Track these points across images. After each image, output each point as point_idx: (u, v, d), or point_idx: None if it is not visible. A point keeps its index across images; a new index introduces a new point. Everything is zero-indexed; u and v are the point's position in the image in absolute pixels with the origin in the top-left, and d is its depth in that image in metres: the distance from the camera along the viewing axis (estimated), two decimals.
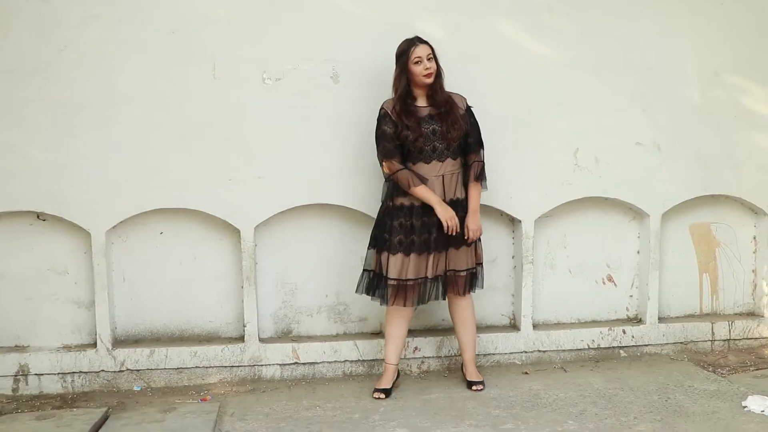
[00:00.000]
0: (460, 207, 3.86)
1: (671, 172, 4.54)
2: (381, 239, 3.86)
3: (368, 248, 3.94)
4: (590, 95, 4.41)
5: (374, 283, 3.90)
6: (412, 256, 3.81)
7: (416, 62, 3.79)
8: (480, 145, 3.94)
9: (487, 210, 4.23)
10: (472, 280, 3.96)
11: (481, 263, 4.01)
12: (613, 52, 4.41)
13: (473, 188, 3.91)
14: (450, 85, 3.91)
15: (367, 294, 3.93)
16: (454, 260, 3.88)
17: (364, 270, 3.95)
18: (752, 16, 4.58)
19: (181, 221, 4.20)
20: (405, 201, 3.84)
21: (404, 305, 3.85)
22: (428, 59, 3.79)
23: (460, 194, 3.89)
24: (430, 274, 3.84)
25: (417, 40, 3.83)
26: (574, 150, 4.42)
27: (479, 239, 3.97)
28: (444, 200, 3.82)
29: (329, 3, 4.11)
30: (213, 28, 4.04)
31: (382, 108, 3.87)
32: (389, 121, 3.82)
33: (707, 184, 4.62)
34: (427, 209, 3.80)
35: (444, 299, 3.99)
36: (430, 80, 3.80)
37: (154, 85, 4.01)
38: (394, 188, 3.85)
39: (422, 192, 3.78)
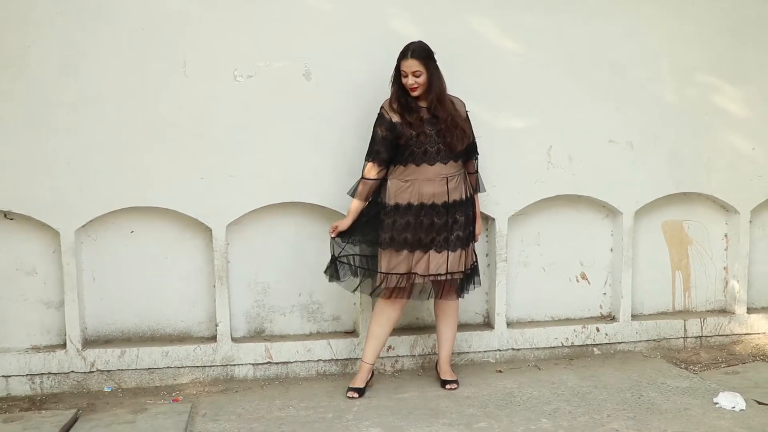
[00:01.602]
0: (459, 209, 3.86)
1: (644, 170, 4.57)
2: (375, 236, 3.88)
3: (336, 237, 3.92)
4: (564, 93, 4.42)
5: (347, 270, 3.92)
6: (404, 252, 3.81)
7: (403, 75, 3.79)
8: (476, 152, 4.01)
9: None
10: (462, 283, 3.96)
11: (475, 266, 4.02)
12: (586, 50, 4.43)
13: (476, 198, 4.03)
14: None
15: (338, 280, 3.95)
16: (451, 262, 3.85)
17: (332, 257, 3.93)
18: (724, 15, 4.61)
19: (152, 220, 4.15)
20: (402, 200, 3.82)
21: (393, 297, 3.85)
22: (414, 75, 3.75)
23: (462, 196, 3.88)
24: (427, 271, 3.81)
25: (409, 54, 3.76)
26: (548, 148, 4.43)
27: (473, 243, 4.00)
28: (447, 201, 3.82)
29: (301, 0, 4.08)
30: (184, 24, 4.00)
31: (380, 108, 3.86)
32: (384, 122, 3.81)
33: (679, 182, 4.65)
34: (425, 209, 3.80)
35: (431, 298, 4.01)
36: (414, 94, 3.79)
37: (125, 82, 3.96)
38: (392, 188, 3.84)
39: (352, 206, 3.89)
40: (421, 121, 3.79)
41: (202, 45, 4.02)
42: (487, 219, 4.46)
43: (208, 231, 4.14)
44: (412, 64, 3.75)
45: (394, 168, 3.87)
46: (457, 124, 3.81)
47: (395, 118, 3.80)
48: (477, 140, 4.03)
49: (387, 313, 3.92)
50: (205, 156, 4.06)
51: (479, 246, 4.46)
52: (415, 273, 3.82)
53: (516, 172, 4.39)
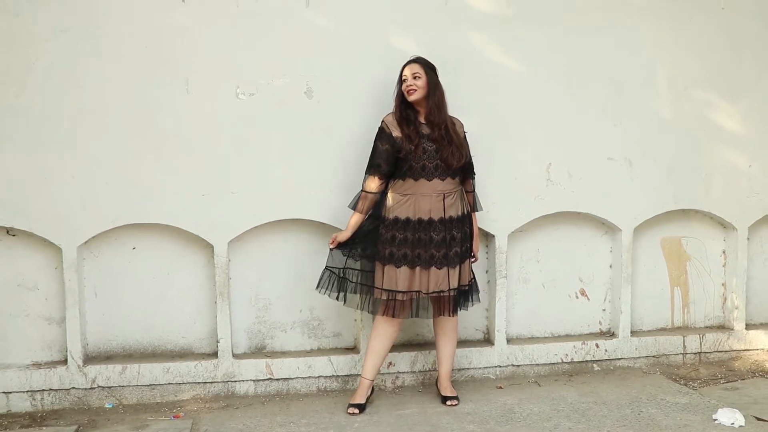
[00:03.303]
0: (456, 225, 3.88)
1: (642, 187, 4.60)
2: (375, 250, 3.89)
3: (336, 249, 3.94)
4: (562, 109, 4.46)
5: (337, 284, 3.93)
6: (403, 268, 3.82)
7: (403, 80, 3.87)
8: (473, 171, 4.05)
9: None
10: (464, 297, 3.98)
11: (473, 282, 4.04)
12: (584, 66, 4.47)
13: (473, 216, 4.06)
14: None
15: (328, 293, 3.94)
16: (451, 278, 3.87)
17: (327, 267, 3.94)
18: (722, 32, 4.66)
19: (154, 236, 4.17)
20: (400, 214, 3.85)
21: (393, 316, 3.86)
22: (413, 77, 3.83)
23: (458, 213, 3.90)
24: (428, 289, 3.83)
25: (411, 60, 3.90)
26: (547, 165, 4.46)
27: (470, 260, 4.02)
28: (443, 217, 3.84)
29: (303, 18, 4.12)
30: (186, 42, 4.03)
31: (382, 121, 3.90)
32: (384, 136, 3.86)
33: (678, 199, 4.68)
34: (423, 224, 3.82)
35: (430, 317, 4.03)
36: (410, 97, 3.84)
37: (128, 99, 3.99)
38: (390, 201, 3.87)
39: (352, 219, 3.91)
40: (419, 135, 3.82)
41: (205, 62, 4.05)
42: (487, 236, 4.48)
43: (209, 247, 4.16)
44: (412, 67, 3.86)
45: (393, 182, 3.90)
46: (453, 140, 3.85)
47: (395, 132, 3.84)
48: (477, 157, 4.05)
49: (386, 329, 3.93)
50: (207, 173, 4.08)
51: (479, 262, 4.48)
52: (418, 291, 3.84)
53: (516, 188, 4.42)
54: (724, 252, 4.91)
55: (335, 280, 3.93)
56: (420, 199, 3.84)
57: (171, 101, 4.03)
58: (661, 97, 4.61)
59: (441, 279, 3.84)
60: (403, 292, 3.82)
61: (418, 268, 3.83)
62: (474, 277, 4.06)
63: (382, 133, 3.87)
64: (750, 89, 4.72)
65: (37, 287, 4.10)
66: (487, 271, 4.54)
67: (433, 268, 3.83)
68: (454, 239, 3.87)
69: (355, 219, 3.92)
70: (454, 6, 4.27)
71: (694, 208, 4.75)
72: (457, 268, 3.88)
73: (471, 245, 4.01)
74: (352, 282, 3.94)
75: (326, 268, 3.94)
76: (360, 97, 4.15)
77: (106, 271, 4.15)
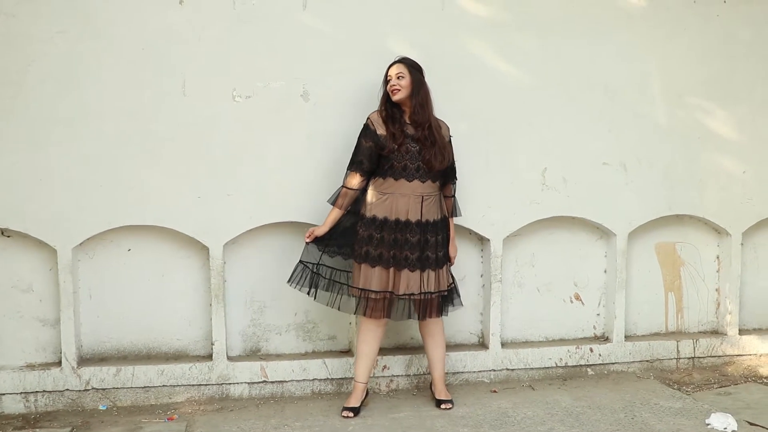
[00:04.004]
0: (431, 230, 3.89)
1: (637, 192, 4.62)
2: (351, 248, 3.90)
3: (312, 243, 3.95)
4: (558, 115, 4.48)
5: (309, 278, 3.93)
6: (378, 268, 3.82)
7: (387, 80, 3.88)
8: (455, 176, 4.05)
9: (456, 229, 4.24)
10: (443, 301, 3.98)
11: (453, 287, 4.04)
12: (580, 72, 4.49)
13: (452, 223, 4.07)
14: None
15: (299, 287, 3.94)
16: (426, 282, 3.87)
17: (300, 261, 3.94)
18: (715, 40, 4.68)
19: (150, 238, 4.16)
20: (378, 213, 3.85)
21: (370, 316, 3.86)
22: (397, 77, 3.85)
23: (434, 217, 3.91)
24: (398, 291, 3.83)
25: (396, 60, 3.91)
26: (542, 170, 4.47)
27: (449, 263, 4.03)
28: (420, 220, 3.84)
29: (300, 21, 4.13)
30: (183, 44, 4.03)
31: (367, 118, 3.91)
32: (369, 133, 3.87)
33: (672, 204, 4.70)
34: (400, 225, 3.83)
35: (413, 318, 4.00)
36: (394, 97, 3.86)
37: (124, 101, 3.99)
38: (369, 199, 3.88)
39: (330, 215, 3.94)
40: (404, 134, 3.83)
41: (201, 65, 4.05)
42: (482, 240, 4.49)
43: (205, 250, 4.16)
44: (397, 67, 3.88)
45: (374, 179, 3.91)
46: (436, 142, 3.85)
47: (380, 130, 3.85)
48: (472, 161, 4.07)
49: (371, 331, 3.93)
50: (203, 175, 4.08)
51: (474, 266, 4.49)
52: (391, 292, 3.84)
53: (511, 193, 4.43)
54: (717, 257, 4.93)
55: (308, 275, 3.93)
56: (399, 199, 3.85)
57: (167, 103, 4.03)
58: (655, 103, 4.63)
59: (413, 282, 3.83)
60: (376, 292, 3.82)
61: (392, 269, 3.84)
62: (454, 282, 4.05)
63: (367, 130, 3.88)
64: (744, 96, 4.75)
65: (32, 288, 4.09)
66: (482, 275, 4.55)
67: (406, 271, 3.83)
68: (428, 243, 3.87)
69: (333, 215, 3.93)
70: (451, 11, 4.29)
71: (688, 214, 4.77)
72: (433, 272, 3.88)
73: (448, 250, 4.01)
74: (324, 278, 3.95)
75: (300, 261, 3.94)
76: (356, 100, 4.16)
77: (101, 273, 4.15)
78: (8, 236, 4.04)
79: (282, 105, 4.14)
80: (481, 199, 4.24)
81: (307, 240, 3.94)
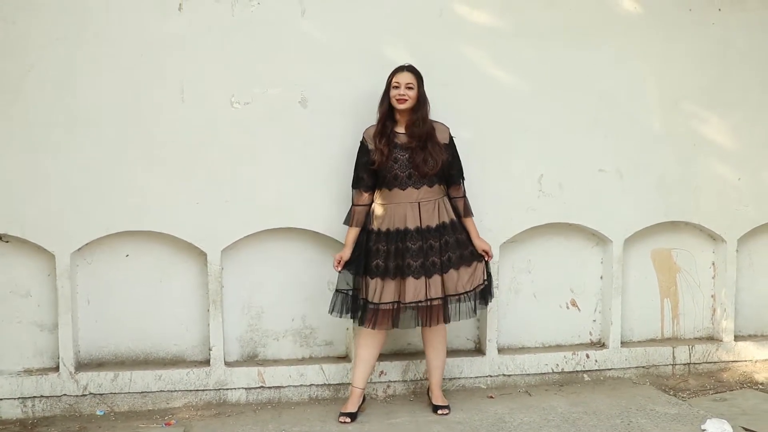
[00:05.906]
0: (434, 234, 3.89)
1: (633, 199, 4.63)
2: (360, 262, 3.89)
3: (343, 269, 3.92)
4: (554, 121, 4.49)
5: (350, 303, 3.90)
6: (387, 280, 3.83)
7: (394, 86, 3.86)
8: (461, 176, 4.03)
9: None
10: (480, 297, 3.97)
11: (486, 283, 4.01)
12: (576, 79, 4.50)
13: (468, 222, 4.03)
14: None
15: (340, 315, 3.92)
16: (432, 288, 3.85)
17: (337, 290, 3.94)
18: (711, 47, 4.70)
19: (147, 244, 4.17)
20: (381, 226, 3.87)
21: (373, 328, 3.86)
22: (406, 87, 3.84)
23: (445, 219, 3.92)
24: (405, 299, 3.83)
25: (404, 68, 3.91)
26: (539, 176, 4.49)
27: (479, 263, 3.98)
28: (420, 227, 3.85)
29: (298, 28, 4.15)
30: (181, 51, 4.05)
31: (362, 135, 3.93)
32: (363, 149, 3.91)
33: (668, 211, 4.71)
34: (400, 234, 3.84)
35: (412, 327, 4.02)
36: (400, 106, 3.85)
37: (122, 107, 4.00)
38: (373, 213, 3.89)
39: (349, 235, 3.94)
40: (389, 146, 3.84)
41: (200, 71, 4.07)
42: None
43: (202, 255, 4.17)
44: (407, 76, 3.87)
45: (377, 192, 3.94)
46: (426, 146, 3.85)
47: (371, 145, 3.88)
48: (469, 168, 4.07)
49: (372, 336, 3.94)
50: (200, 181, 4.10)
51: None
52: (398, 302, 3.84)
53: (508, 199, 4.44)
54: (713, 264, 4.95)
55: (348, 301, 3.91)
56: (396, 209, 3.87)
57: (166, 109, 4.05)
58: (651, 110, 4.65)
59: (418, 289, 3.83)
60: (384, 304, 3.83)
61: (397, 278, 3.85)
62: (487, 280, 4.01)
63: (362, 147, 3.94)
64: (739, 103, 4.76)
65: (30, 294, 4.10)
66: None
67: (410, 278, 3.83)
68: (432, 248, 3.87)
69: (351, 234, 3.93)
70: (448, 18, 4.31)
71: (684, 220, 4.78)
72: (437, 277, 3.86)
73: (467, 252, 3.96)
74: (362, 299, 3.93)
75: (336, 290, 3.94)
76: (354, 107, 4.17)
77: (99, 278, 4.16)
78: (6, 241, 4.05)
79: (280, 111, 4.16)
80: (478, 205, 4.25)
81: (338, 269, 3.91)
